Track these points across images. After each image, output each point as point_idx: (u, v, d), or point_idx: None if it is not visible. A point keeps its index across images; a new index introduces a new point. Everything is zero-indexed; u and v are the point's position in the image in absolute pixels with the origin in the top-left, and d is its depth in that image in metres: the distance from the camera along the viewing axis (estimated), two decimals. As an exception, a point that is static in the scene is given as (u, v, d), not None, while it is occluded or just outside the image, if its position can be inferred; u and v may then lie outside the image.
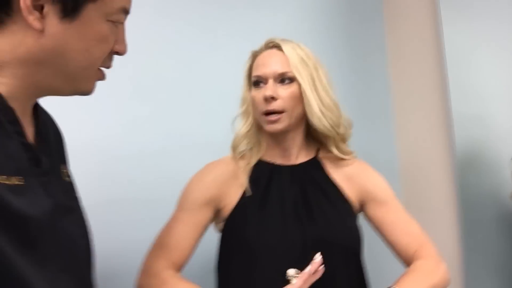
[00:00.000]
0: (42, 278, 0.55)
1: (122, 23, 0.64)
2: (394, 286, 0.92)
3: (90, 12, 0.58)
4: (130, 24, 0.63)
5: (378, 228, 1.04)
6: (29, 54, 0.57)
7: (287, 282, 0.90)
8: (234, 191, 1.02)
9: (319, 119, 0.98)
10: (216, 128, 1.21)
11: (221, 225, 1.03)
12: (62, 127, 0.75)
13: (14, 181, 0.54)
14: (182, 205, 1.02)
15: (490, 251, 1.47)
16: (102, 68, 0.64)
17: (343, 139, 1.05)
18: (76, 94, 0.63)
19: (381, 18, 1.66)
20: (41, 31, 0.56)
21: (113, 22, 0.61)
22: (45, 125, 0.68)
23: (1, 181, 0.51)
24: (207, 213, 1.01)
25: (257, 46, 1.07)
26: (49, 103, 0.70)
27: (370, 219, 1.05)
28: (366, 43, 1.63)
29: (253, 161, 1.04)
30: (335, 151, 1.04)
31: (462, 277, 1.50)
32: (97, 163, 1.18)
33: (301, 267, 0.92)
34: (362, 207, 1.06)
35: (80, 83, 0.62)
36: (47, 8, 0.56)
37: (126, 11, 0.62)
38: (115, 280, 1.14)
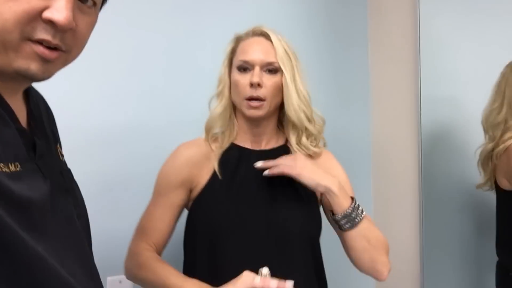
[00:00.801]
0: (52, 255, 0.57)
1: None
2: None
3: None
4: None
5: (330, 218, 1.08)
6: None
7: (247, 262, 0.95)
8: (205, 172, 1.04)
9: (295, 111, 1.02)
10: (197, 106, 1.21)
11: (190, 204, 1.06)
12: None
13: (12, 167, 0.54)
14: (157, 190, 1.06)
15: (449, 236, 1.54)
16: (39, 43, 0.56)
17: (314, 132, 1.07)
18: (22, 75, 0.56)
19: (364, 3, 1.67)
20: None
21: None
22: (37, 107, 0.67)
23: (0, 169, 0.52)
24: (181, 194, 1.04)
25: (240, 29, 1.07)
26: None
27: (325, 208, 1.09)
28: (349, 26, 1.64)
29: (225, 144, 1.06)
30: (299, 141, 1.07)
31: (420, 259, 1.58)
32: (77, 140, 1.18)
33: (261, 249, 0.98)
34: (322, 195, 1.09)
35: (12, 57, 0.54)
36: None
37: None
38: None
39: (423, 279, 1.58)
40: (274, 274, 0.97)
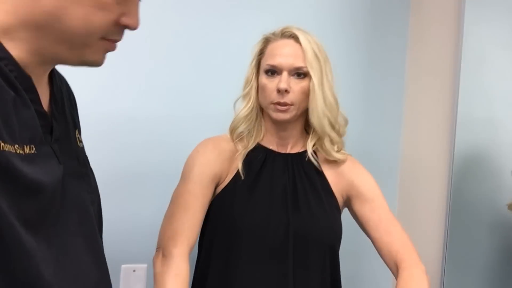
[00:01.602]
0: (51, 245, 0.56)
1: None
2: None
3: None
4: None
5: (362, 224, 1.06)
6: (30, 16, 0.55)
7: (263, 265, 0.94)
8: (230, 170, 1.03)
9: (319, 118, 1.00)
10: (220, 102, 1.20)
11: (211, 201, 1.04)
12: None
13: (27, 150, 0.54)
14: (189, 177, 1.00)
15: (474, 260, 1.48)
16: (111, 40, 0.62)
17: (337, 138, 1.05)
18: (85, 65, 0.61)
19: (406, 16, 1.63)
20: None
21: None
22: (60, 91, 0.67)
23: (15, 151, 0.51)
24: (212, 188, 1.02)
25: (271, 24, 1.05)
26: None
27: (355, 215, 1.07)
28: (388, 34, 1.61)
29: (251, 145, 1.04)
30: (327, 148, 1.05)
31: (441, 281, 1.52)
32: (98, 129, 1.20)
33: (278, 252, 0.97)
34: (348, 203, 1.08)
35: (85, 52, 0.59)
36: None
37: None
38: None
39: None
40: (290, 279, 0.96)
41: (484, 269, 1.49)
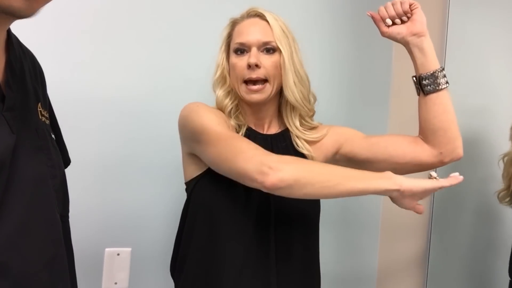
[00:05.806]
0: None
1: None
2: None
3: None
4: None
5: (370, 152, 1.04)
6: None
7: (246, 240, 0.95)
8: None
9: (292, 91, 1.01)
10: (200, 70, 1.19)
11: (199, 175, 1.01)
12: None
13: None
14: (213, 123, 0.95)
15: (459, 248, 1.50)
16: None
17: (309, 113, 1.07)
18: (4, 11, 0.55)
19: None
20: None
21: None
22: (19, 60, 0.66)
23: None
24: None
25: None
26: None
27: (356, 154, 1.05)
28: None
29: (239, 122, 1.03)
30: (298, 124, 1.06)
31: (425, 267, 1.53)
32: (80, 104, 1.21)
33: (262, 228, 0.97)
34: (343, 153, 1.07)
35: None
36: None
37: None
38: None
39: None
40: (272, 250, 0.97)
41: (468, 258, 1.49)
